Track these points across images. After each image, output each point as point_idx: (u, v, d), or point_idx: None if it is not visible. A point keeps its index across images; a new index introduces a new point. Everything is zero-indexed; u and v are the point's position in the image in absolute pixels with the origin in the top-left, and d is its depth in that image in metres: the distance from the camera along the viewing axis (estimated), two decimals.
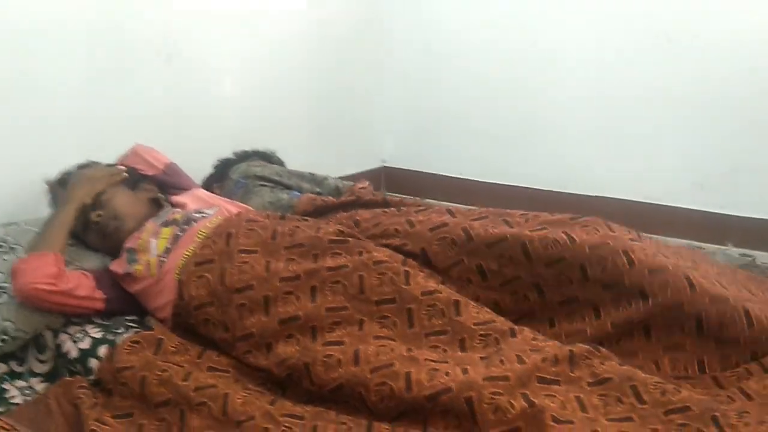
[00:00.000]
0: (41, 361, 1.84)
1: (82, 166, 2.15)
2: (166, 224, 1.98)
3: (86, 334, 1.81)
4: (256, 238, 1.84)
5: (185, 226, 1.95)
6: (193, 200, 2.16)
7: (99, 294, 1.88)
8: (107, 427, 1.56)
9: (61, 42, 2.33)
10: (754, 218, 2.88)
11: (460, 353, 1.55)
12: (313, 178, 2.52)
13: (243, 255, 1.79)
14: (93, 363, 1.74)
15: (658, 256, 1.69)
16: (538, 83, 3.32)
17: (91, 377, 1.73)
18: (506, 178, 3.44)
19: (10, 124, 2.22)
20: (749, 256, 2.65)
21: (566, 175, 3.28)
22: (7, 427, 1.56)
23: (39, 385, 1.78)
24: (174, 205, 2.16)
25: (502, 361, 1.45)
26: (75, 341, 1.80)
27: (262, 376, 1.65)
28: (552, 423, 1.32)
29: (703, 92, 2.91)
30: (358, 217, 2.01)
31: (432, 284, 1.70)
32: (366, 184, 2.44)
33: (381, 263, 1.73)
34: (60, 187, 2.11)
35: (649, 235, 1.89)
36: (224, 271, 1.77)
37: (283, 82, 3.19)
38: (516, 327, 1.61)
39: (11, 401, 1.72)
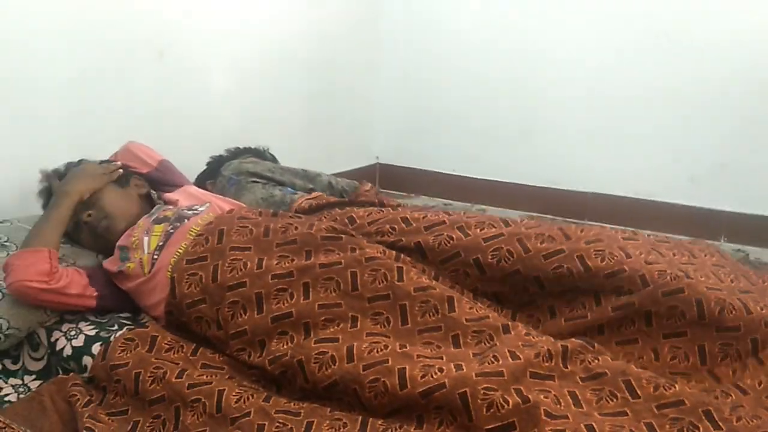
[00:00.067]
0: (35, 359, 1.84)
1: (73, 165, 2.14)
2: (158, 221, 1.98)
3: (80, 331, 1.81)
4: (248, 235, 1.84)
5: (177, 224, 1.95)
6: (185, 197, 2.15)
7: (91, 291, 1.88)
8: (101, 424, 1.56)
9: (53, 39, 2.33)
10: (747, 214, 2.89)
11: (453, 349, 1.55)
12: (306, 175, 2.52)
13: (235, 252, 1.79)
14: (87, 360, 1.74)
15: (652, 254, 1.73)
16: (534, 81, 3.33)
17: (85, 375, 1.73)
18: (501, 174, 3.45)
19: (1, 123, 2.21)
20: (742, 251, 2.67)
21: (562, 173, 3.29)
22: (1, 424, 1.56)
23: (33, 383, 1.78)
24: (166, 202, 2.15)
25: (495, 357, 1.45)
26: (69, 339, 1.80)
27: (256, 373, 1.65)
28: (546, 418, 1.33)
29: (703, 92, 2.92)
30: (353, 214, 2.01)
31: (425, 280, 1.71)
32: (369, 186, 2.46)
33: (374, 259, 1.73)
34: (56, 179, 2.10)
35: (645, 232, 1.91)
36: (217, 269, 1.76)
37: (277, 79, 3.19)
38: (509, 323, 1.62)
39: (5, 399, 1.72)
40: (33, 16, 2.26)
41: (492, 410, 1.34)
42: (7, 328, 1.77)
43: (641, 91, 3.06)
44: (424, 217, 1.92)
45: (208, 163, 2.60)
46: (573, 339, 1.55)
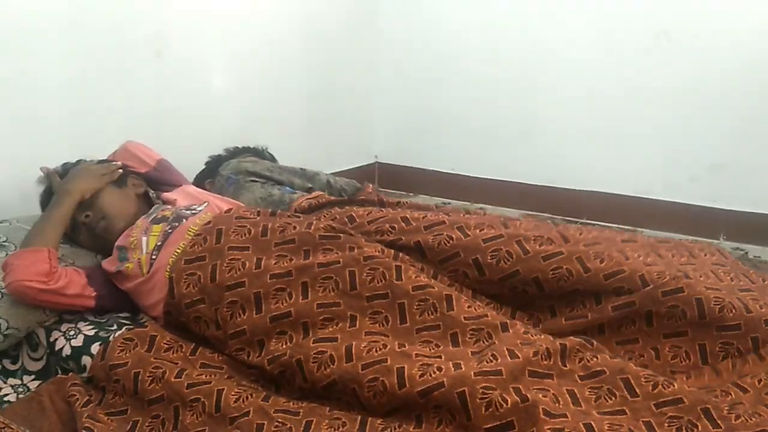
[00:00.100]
0: (34, 359, 1.84)
1: (71, 165, 2.14)
2: (156, 221, 1.98)
3: (79, 331, 1.81)
4: (246, 235, 1.84)
5: (175, 224, 1.95)
6: (183, 197, 2.15)
7: (90, 291, 1.88)
8: (101, 424, 1.56)
9: (53, 39, 2.33)
10: (746, 212, 2.89)
11: (452, 348, 1.55)
12: (304, 174, 2.52)
13: (234, 252, 1.79)
14: (86, 360, 1.74)
15: (650, 256, 1.74)
16: (534, 81, 3.32)
17: (85, 374, 1.73)
18: (501, 174, 3.45)
19: (1, 123, 2.21)
20: (741, 249, 2.67)
21: (562, 172, 3.29)
22: (0, 424, 1.56)
23: (32, 383, 1.78)
24: (165, 201, 2.15)
25: (494, 356, 1.45)
26: (68, 339, 1.80)
27: (255, 373, 1.65)
28: (544, 417, 1.33)
29: (702, 92, 2.92)
30: (353, 213, 2.01)
31: (424, 279, 1.70)
32: (371, 188, 2.47)
33: (372, 258, 1.73)
34: (56, 177, 2.09)
35: (645, 231, 1.92)
36: (215, 269, 1.76)
37: (276, 78, 3.19)
38: (508, 321, 1.62)
39: (5, 399, 1.72)
40: (33, 16, 2.26)
41: (491, 409, 1.34)
42: (6, 328, 1.77)
43: (641, 91, 3.05)
44: (423, 217, 1.92)
45: (207, 163, 2.61)
46: (571, 337, 1.55)
